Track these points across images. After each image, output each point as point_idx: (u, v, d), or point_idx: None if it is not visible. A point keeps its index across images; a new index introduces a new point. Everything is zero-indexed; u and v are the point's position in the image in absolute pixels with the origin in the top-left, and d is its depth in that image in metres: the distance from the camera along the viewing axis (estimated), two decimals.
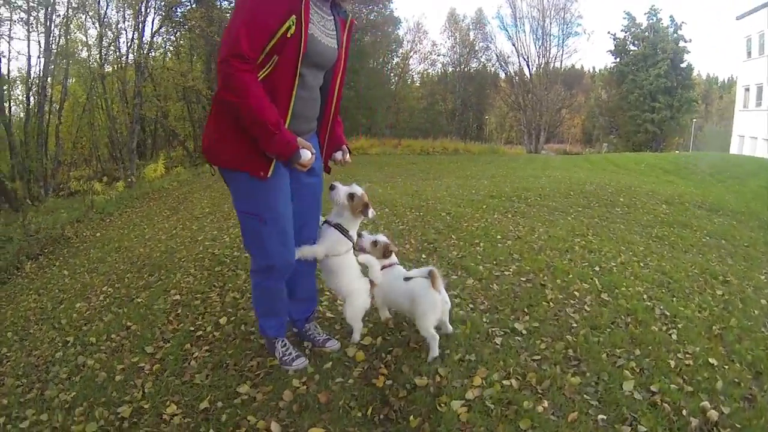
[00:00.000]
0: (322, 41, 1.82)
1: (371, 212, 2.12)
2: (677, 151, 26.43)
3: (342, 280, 2.21)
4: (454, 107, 33.78)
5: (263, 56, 1.66)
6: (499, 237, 4.38)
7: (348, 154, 2.21)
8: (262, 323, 2.22)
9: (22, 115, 13.27)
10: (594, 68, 44.27)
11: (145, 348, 2.63)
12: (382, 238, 2.33)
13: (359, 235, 2.26)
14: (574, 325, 2.59)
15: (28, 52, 12.02)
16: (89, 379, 2.41)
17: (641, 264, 3.86)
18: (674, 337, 2.55)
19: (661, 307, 2.94)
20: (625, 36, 33.49)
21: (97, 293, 3.96)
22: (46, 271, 5.22)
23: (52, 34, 12.32)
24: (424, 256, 3.79)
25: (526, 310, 2.76)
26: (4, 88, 11.96)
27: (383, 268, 2.28)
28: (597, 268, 3.59)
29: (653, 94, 31.04)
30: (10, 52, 12.20)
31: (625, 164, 14.99)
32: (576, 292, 3.05)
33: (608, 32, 36.84)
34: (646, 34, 32.39)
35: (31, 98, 12.96)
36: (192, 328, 2.77)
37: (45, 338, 3.22)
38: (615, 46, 33.75)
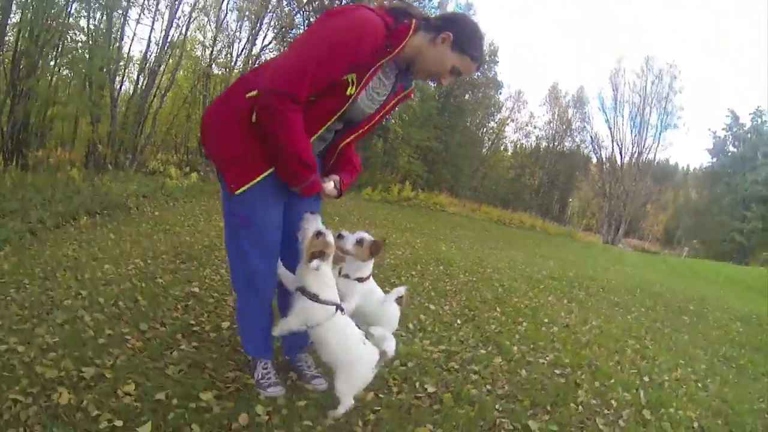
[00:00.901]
0: (361, 106, 1.74)
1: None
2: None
3: (332, 353, 1.84)
4: (540, 183, 32.80)
5: None
6: (546, 320, 4.13)
7: (332, 184, 1.86)
8: (242, 341, 2.12)
9: (130, 91, 14.60)
10: (688, 166, 41.73)
11: (140, 324, 2.58)
12: (365, 234, 2.03)
13: (339, 236, 1.94)
14: None
15: (149, 38, 13.34)
16: (77, 331, 2.42)
17: (699, 384, 3.34)
18: None
19: None
20: (725, 135, 31.54)
21: (128, 262, 4.02)
22: (96, 229, 5.42)
23: (172, 27, 13.60)
24: (459, 321, 3.60)
25: (548, 407, 2.38)
26: (121, 64, 13.29)
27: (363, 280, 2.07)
28: (646, 379, 3.14)
29: (746, 202, 28.57)
30: (134, 34, 13.64)
31: (705, 272, 13.72)
32: (613, 401, 2.61)
33: (709, 129, 34.84)
34: (749, 135, 30.27)
35: (141, 79, 14.21)
36: (192, 322, 2.71)
37: (64, 284, 3.30)
38: (713, 145, 31.77)
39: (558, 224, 26.22)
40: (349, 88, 1.57)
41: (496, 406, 2.26)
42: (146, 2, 12.33)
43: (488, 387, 2.47)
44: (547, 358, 3.07)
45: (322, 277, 1.77)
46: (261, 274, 1.85)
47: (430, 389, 2.30)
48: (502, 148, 33.24)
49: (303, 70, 1.48)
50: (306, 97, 1.53)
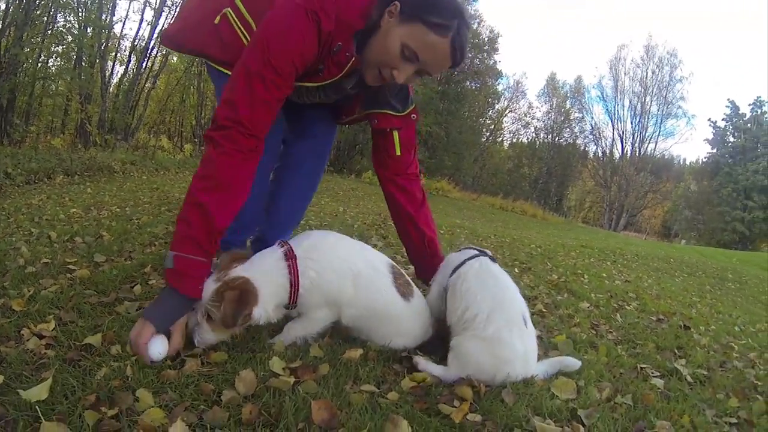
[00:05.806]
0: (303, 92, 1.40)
1: None
2: None
3: None
4: (538, 174, 32.32)
5: None
6: (604, 275, 3.75)
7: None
8: None
9: (121, 72, 13.74)
10: (685, 160, 41.30)
11: (95, 255, 1.85)
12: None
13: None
14: (758, 382, 1.68)
15: (141, 17, 12.48)
16: (1, 261, 1.73)
17: None
18: None
19: None
20: (725, 125, 30.88)
21: (102, 208, 3.31)
22: (73, 187, 4.72)
23: (164, 8, 12.68)
24: (516, 270, 3.08)
25: (676, 351, 1.86)
26: (110, 42, 12.48)
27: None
28: (737, 329, 2.78)
29: (747, 191, 27.96)
30: (127, 15, 12.83)
31: (715, 256, 12.92)
32: (733, 344, 2.21)
33: (708, 119, 34.38)
34: (749, 125, 29.72)
35: (133, 58, 13.35)
36: None
37: (14, 224, 2.63)
38: (713, 135, 31.19)
39: (557, 215, 25.67)
40: None
41: (620, 351, 1.70)
42: None
43: (594, 332, 1.93)
44: (632, 305, 2.67)
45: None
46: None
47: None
48: (500, 139, 32.61)
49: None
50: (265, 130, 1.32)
